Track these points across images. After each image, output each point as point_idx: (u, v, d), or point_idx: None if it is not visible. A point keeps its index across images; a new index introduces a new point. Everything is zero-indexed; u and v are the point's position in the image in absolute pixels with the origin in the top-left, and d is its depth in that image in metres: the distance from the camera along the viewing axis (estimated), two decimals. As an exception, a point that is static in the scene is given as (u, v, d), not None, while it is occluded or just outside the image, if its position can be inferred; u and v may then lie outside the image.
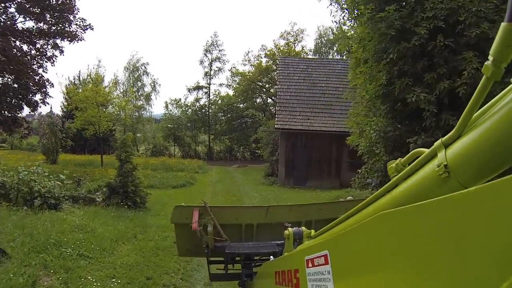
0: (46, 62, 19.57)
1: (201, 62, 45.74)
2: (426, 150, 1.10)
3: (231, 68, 45.39)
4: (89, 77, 39.34)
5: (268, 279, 2.55)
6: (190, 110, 45.64)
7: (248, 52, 50.47)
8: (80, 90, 27.46)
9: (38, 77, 19.00)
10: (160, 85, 50.47)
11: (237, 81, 45.01)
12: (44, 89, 19.25)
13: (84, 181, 14.90)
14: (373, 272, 1.00)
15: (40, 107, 19.83)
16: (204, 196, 16.94)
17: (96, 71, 32.97)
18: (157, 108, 75.95)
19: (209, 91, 45.70)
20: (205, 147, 46.63)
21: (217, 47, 45.69)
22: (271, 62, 43.68)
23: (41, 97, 19.43)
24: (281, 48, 43.42)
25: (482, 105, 0.94)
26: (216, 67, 45.75)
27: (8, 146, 45.44)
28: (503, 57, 0.80)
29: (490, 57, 0.81)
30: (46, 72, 19.64)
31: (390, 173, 1.31)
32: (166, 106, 46.44)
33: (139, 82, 48.54)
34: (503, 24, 0.75)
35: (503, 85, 0.94)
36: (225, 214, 3.87)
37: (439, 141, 1.02)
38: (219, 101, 45.08)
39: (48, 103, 21.28)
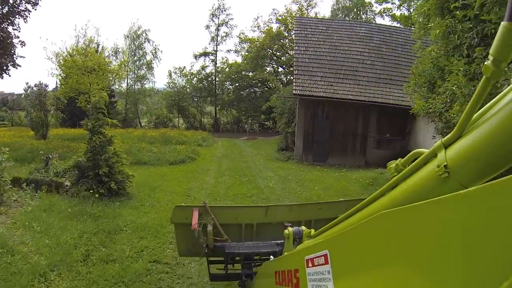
0: (18, 18, 15.64)
1: (207, 27, 41.15)
2: (426, 151, 1.09)
3: (240, 34, 40.91)
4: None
5: (268, 279, 2.46)
6: (195, 78, 41.39)
7: (258, 17, 45.73)
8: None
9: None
10: (162, 51, 45.87)
11: (246, 48, 40.59)
12: (12, 50, 15.34)
13: (52, 159, 11.13)
14: (373, 271, 0.97)
15: (8, 70, 15.92)
16: (206, 175, 13.34)
17: (90, 37, 28.12)
18: (160, 80, 71.29)
19: (216, 58, 41.34)
20: (211, 118, 42.73)
21: (224, 11, 40.93)
22: (283, 27, 39.05)
23: (11, 60, 15.62)
24: (293, 14, 38.60)
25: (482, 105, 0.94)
26: (224, 32, 41.19)
27: (9, 123, 42.79)
28: (503, 56, 0.77)
29: (490, 57, 0.79)
30: (19, 31, 15.83)
31: (390, 173, 1.29)
32: (170, 75, 42.30)
33: (140, 51, 44.07)
34: (503, 24, 0.73)
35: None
36: (225, 214, 3.83)
37: (439, 142, 1.00)
38: (227, 69, 40.64)
39: (19, 66, 17.51)
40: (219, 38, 40.98)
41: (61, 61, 21.96)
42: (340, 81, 19.36)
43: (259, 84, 41.27)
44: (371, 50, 21.44)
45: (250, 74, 38.70)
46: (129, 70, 43.44)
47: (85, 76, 21.46)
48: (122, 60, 42.30)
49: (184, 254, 4.18)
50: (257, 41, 38.76)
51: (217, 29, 40.80)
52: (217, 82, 41.23)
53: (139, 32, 43.71)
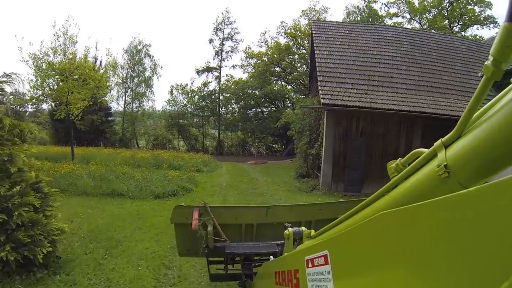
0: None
1: (211, 41, 37.13)
2: (426, 150, 1.07)
3: (246, 49, 36.91)
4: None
5: (268, 279, 2.41)
6: (197, 96, 37.11)
7: (265, 32, 41.64)
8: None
9: None
10: (162, 67, 41.63)
11: (253, 64, 36.56)
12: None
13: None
14: (373, 272, 0.95)
15: None
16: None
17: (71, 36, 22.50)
18: (160, 98, 66.39)
19: (220, 74, 37.10)
20: (214, 140, 38.14)
21: (229, 24, 37.09)
22: (292, 42, 35.09)
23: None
24: (302, 29, 34.78)
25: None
26: (229, 46, 37.17)
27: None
28: (503, 57, 0.76)
29: (490, 57, 0.78)
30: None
31: (390, 173, 1.28)
32: (171, 92, 38.08)
33: (139, 66, 40.07)
34: (503, 24, 0.72)
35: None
36: (225, 214, 3.76)
37: (439, 141, 0.99)
38: (232, 86, 36.37)
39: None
40: (223, 54, 36.98)
41: (39, 64, 17.68)
42: (374, 89, 15.22)
43: (266, 104, 36.96)
44: (403, 55, 17.84)
45: (257, 92, 34.31)
46: (127, 87, 39.51)
47: (64, 82, 17.13)
48: (109, 64, 38.98)
49: (184, 254, 4.00)
50: (264, 55, 34.71)
51: (222, 44, 36.86)
52: (221, 100, 36.91)
53: (139, 47, 39.90)
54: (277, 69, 35.73)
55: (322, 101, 13.54)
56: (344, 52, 17.45)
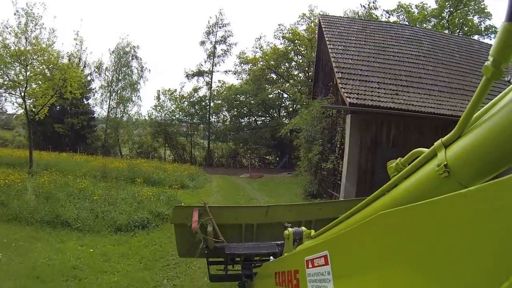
0: None
1: (202, 43, 33.70)
2: (426, 150, 1.05)
3: (240, 54, 33.61)
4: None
5: (268, 279, 2.34)
6: (186, 102, 33.51)
7: (260, 37, 38.28)
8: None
9: None
10: (150, 71, 37.84)
11: (247, 69, 33.27)
12: None
13: None
14: (374, 272, 0.93)
15: None
16: (187, 270, 5.14)
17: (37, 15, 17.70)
18: (147, 104, 61.81)
19: (212, 79, 33.59)
20: (203, 150, 34.42)
21: (223, 26, 33.79)
22: (290, 47, 32.00)
23: None
24: (301, 33, 31.82)
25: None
26: (221, 49, 33.76)
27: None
28: (503, 57, 0.75)
29: (490, 57, 0.77)
30: None
31: (390, 173, 1.24)
32: (158, 97, 34.39)
33: (126, 69, 36.35)
34: (502, 24, 0.71)
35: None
36: (225, 214, 3.70)
37: (439, 141, 0.97)
38: (224, 92, 32.88)
39: None
40: (215, 58, 33.55)
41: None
42: (404, 89, 12.30)
43: (260, 113, 33.57)
44: (426, 55, 15.08)
45: (251, 100, 30.89)
46: (112, 90, 35.82)
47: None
48: (108, 81, 35.35)
49: (183, 254, 3.91)
50: (261, 59, 31.45)
51: (214, 47, 33.48)
52: (211, 108, 33.33)
53: (127, 49, 36.24)
54: (273, 76, 32.53)
55: (348, 100, 10.18)
56: (362, 49, 14.38)
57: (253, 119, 34.17)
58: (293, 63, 32.68)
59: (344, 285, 1.12)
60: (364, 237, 0.99)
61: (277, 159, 34.53)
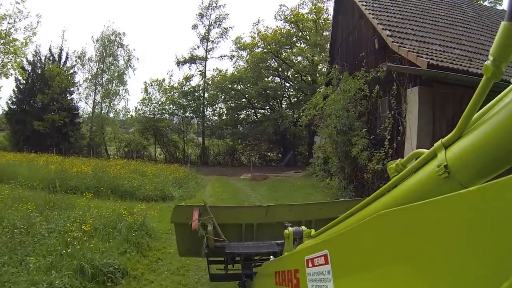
0: None
1: (195, 27, 29.45)
2: (426, 151, 1.01)
3: (237, 39, 29.47)
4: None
5: (268, 279, 2.31)
6: (177, 93, 29.36)
7: (258, 21, 33.88)
8: None
9: None
10: (138, 59, 33.31)
11: (245, 55, 29.20)
12: None
13: None
14: (373, 271, 0.91)
15: None
16: None
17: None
18: (135, 98, 56.32)
19: (205, 67, 29.39)
20: (197, 147, 30.34)
21: (217, 8, 29.51)
22: (295, 29, 27.97)
23: None
24: (304, 15, 27.86)
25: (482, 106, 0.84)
26: (216, 33, 29.52)
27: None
28: (503, 57, 0.73)
29: (490, 57, 0.74)
30: None
31: (390, 173, 1.18)
32: (146, 89, 30.21)
33: (111, 58, 32.11)
34: (503, 24, 0.69)
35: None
36: (225, 214, 3.61)
37: (439, 142, 0.93)
38: (219, 80, 28.66)
39: None
40: (209, 43, 29.35)
41: None
42: (474, 56, 8.36)
43: (260, 103, 29.56)
44: (477, 22, 11.82)
45: (251, 89, 26.78)
46: (96, 83, 31.70)
47: None
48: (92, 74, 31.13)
49: (184, 254, 3.86)
50: (262, 40, 27.35)
51: (208, 31, 29.28)
52: (206, 99, 29.20)
53: (112, 38, 31.97)
54: (274, 63, 28.50)
55: (423, 60, 6.22)
56: (402, 8, 10.49)
57: (252, 111, 30.13)
58: (295, 49, 28.71)
59: (344, 285, 1.09)
60: (364, 236, 0.97)
61: (279, 155, 30.69)
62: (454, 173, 0.87)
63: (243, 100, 28.51)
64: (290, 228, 2.16)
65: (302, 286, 1.42)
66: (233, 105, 29.08)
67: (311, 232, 2.03)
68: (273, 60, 28.25)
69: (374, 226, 0.91)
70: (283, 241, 2.41)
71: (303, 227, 2.15)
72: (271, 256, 2.87)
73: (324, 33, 26.58)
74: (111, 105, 32.00)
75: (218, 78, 28.66)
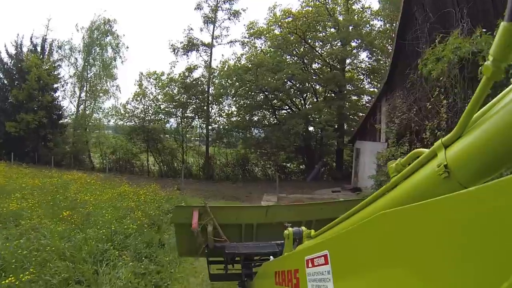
0: None
1: (199, 7, 22.60)
2: (426, 150, 1.00)
3: (249, 24, 22.72)
4: None
5: (268, 279, 2.25)
6: (176, 88, 22.54)
7: (275, 6, 26.83)
8: None
9: None
10: (127, 48, 26.42)
11: (259, 45, 22.47)
12: None
13: None
14: (373, 272, 0.90)
15: None
16: None
17: None
18: (126, 96, 49.31)
19: (211, 57, 22.54)
20: (199, 156, 23.37)
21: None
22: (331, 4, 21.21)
23: None
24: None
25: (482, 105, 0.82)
26: (225, 13, 22.71)
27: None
28: (503, 57, 0.72)
29: (490, 57, 0.74)
30: None
31: (390, 173, 1.17)
32: (140, 84, 23.50)
33: (98, 49, 25.61)
34: (503, 24, 0.68)
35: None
36: (225, 214, 3.50)
37: (439, 142, 0.93)
38: (226, 69, 21.80)
39: None
40: (215, 28, 22.55)
41: None
42: None
43: (279, 102, 22.69)
44: None
45: (274, 78, 19.72)
46: (83, 78, 25.42)
47: None
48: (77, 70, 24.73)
49: (184, 254, 3.85)
50: (283, 25, 20.54)
51: (214, 12, 22.46)
52: (211, 95, 22.33)
53: (102, 27, 25.55)
54: (299, 49, 21.63)
55: None
56: None
57: (271, 111, 23.13)
58: (323, 34, 21.89)
59: (344, 285, 1.08)
60: (364, 236, 0.95)
61: (301, 166, 23.70)
62: (454, 173, 0.85)
63: (261, 95, 21.55)
64: (290, 229, 2.10)
65: (302, 286, 1.38)
66: (248, 102, 22.15)
67: (311, 232, 1.97)
68: (298, 45, 21.38)
69: (374, 226, 0.88)
70: (283, 241, 2.34)
71: (303, 228, 2.08)
72: (271, 256, 2.80)
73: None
74: (96, 103, 25.46)
75: (228, 66, 21.79)
